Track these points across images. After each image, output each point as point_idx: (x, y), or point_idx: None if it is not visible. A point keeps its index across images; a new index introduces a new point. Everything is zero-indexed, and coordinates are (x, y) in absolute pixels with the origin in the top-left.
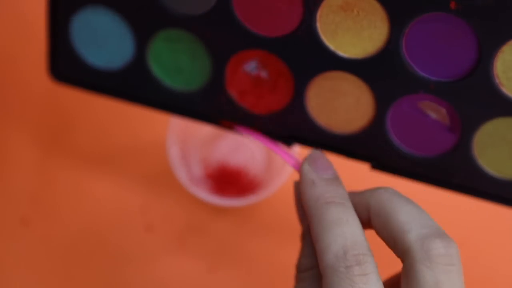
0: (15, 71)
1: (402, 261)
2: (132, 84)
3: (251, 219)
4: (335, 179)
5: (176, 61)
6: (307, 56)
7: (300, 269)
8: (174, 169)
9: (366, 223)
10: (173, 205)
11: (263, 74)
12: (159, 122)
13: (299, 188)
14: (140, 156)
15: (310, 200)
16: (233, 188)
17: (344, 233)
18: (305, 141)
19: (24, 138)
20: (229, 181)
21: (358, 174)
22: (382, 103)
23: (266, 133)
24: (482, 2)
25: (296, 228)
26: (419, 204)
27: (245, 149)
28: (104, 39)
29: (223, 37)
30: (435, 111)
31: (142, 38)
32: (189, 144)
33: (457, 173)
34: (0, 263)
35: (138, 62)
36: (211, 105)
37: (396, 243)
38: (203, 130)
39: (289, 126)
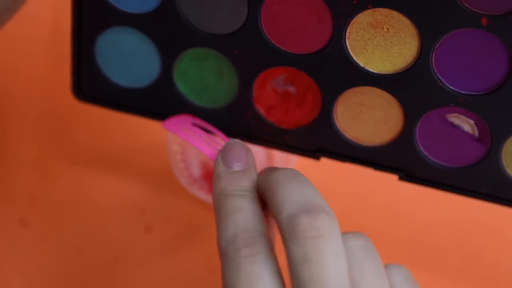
0: (15, 71)
1: None
2: (158, 102)
3: None
4: (243, 171)
5: (203, 79)
6: (336, 73)
7: None
8: (174, 169)
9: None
10: (173, 205)
11: (291, 89)
12: (160, 122)
13: None
14: (141, 156)
15: (215, 193)
16: None
17: (236, 220)
18: (332, 154)
19: (24, 138)
20: None
21: (373, 178)
22: (411, 117)
23: (294, 147)
24: None
25: None
26: None
27: None
28: (130, 58)
29: (251, 55)
30: (464, 123)
31: (168, 57)
32: (189, 144)
33: (486, 183)
34: (0, 263)
35: (164, 81)
36: (238, 121)
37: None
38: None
39: (316, 139)
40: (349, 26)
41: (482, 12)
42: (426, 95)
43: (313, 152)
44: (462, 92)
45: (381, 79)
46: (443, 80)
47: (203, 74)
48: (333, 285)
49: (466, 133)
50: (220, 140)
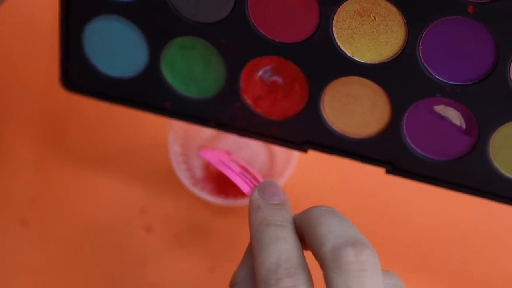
0: (15, 71)
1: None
2: (146, 93)
3: None
4: (281, 204)
5: (190, 68)
6: (323, 62)
7: (233, 282)
8: (175, 169)
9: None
10: (173, 205)
11: (278, 80)
12: (161, 122)
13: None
14: (141, 156)
15: (254, 223)
16: (234, 188)
17: (279, 249)
18: (320, 146)
19: (24, 138)
20: (230, 181)
21: (373, 178)
22: (398, 107)
23: (281, 139)
24: (501, 5)
25: None
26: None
27: (247, 149)
28: (118, 48)
29: (238, 44)
30: (451, 114)
31: (156, 46)
32: (190, 144)
33: (473, 176)
34: (0, 263)
35: (152, 71)
36: (225, 112)
37: (316, 257)
38: (204, 130)
39: (304, 131)
40: (336, 14)
41: (470, 0)
42: (413, 85)
43: (301, 144)
44: (449, 82)
45: (368, 68)
46: (430, 70)
47: (190, 64)
48: None
49: (453, 124)
50: (253, 177)
